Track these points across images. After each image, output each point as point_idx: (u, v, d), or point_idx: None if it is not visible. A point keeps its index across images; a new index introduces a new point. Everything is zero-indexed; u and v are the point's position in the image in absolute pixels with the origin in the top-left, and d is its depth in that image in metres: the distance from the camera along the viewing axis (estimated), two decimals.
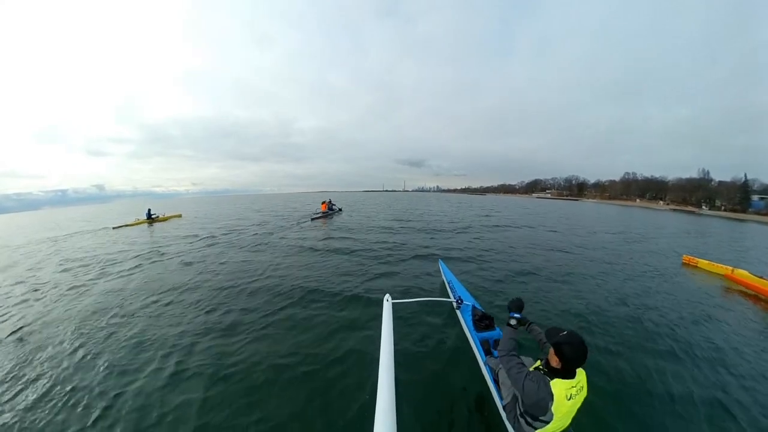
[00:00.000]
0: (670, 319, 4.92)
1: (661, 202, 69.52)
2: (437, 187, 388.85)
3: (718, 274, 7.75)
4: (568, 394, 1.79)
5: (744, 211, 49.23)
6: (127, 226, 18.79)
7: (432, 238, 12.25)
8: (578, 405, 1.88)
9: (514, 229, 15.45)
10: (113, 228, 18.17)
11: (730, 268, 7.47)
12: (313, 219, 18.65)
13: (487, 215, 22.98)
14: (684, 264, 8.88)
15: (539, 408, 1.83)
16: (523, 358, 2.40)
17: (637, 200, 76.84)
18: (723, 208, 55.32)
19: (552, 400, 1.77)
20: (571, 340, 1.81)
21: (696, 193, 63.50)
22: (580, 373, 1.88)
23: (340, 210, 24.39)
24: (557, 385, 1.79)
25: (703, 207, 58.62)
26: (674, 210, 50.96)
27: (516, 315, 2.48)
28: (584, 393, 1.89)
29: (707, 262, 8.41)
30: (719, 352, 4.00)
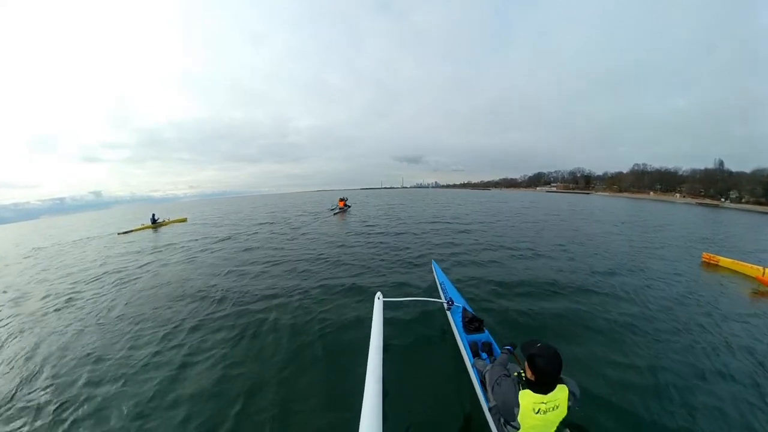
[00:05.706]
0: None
1: (678, 195, 67.10)
2: (436, 182, 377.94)
3: (746, 275, 7.05)
4: (535, 408, 1.78)
5: None
6: (132, 231, 18.86)
7: None
8: (554, 423, 1.84)
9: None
10: (119, 234, 18.23)
11: (761, 268, 6.73)
12: (334, 213, 21.77)
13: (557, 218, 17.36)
14: (704, 263, 8.14)
15: (507, 412, 1.87)
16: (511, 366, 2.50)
17: (651, 193, 74.35)
18: (744, 200, 52.80)
19: (518, 407, 1.80)
20: (544, 353, 1.81)
21: (714, 185, 60.99)
22: (561, 390, 1.83)
23: (351, 206, 26.47)
24: (525, 396, 1.81)
25: (722, 199, 56.25)
26: (699, 204, 49.11)
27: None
28: (561, 412, 1.84)
29: (731, 260, 7.70)
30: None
